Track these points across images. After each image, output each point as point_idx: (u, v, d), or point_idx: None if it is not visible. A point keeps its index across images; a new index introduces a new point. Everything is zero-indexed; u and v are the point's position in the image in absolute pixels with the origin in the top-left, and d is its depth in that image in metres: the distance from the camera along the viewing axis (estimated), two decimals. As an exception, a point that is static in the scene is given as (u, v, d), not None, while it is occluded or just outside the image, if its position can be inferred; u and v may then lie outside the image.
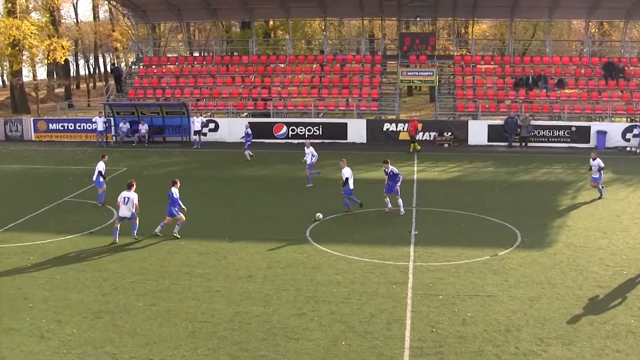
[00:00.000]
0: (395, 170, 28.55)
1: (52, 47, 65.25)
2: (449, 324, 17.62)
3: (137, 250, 24.27)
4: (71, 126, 51.13)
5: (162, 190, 33.37)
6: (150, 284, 20.91)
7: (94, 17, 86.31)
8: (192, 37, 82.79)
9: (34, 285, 21.18)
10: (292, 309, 18.71)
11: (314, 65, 55.33)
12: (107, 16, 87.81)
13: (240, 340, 16.88)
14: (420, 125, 46.12)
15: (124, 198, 25.42)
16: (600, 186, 31.52)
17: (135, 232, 25.51)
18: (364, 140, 45.88)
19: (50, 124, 51.59)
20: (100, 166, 31.00)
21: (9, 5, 64.72)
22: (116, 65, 59.40)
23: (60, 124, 51.44)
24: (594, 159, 31.32)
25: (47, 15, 70.23)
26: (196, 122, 46.43)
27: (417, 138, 45.07)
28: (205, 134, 47.43)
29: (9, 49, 63.69)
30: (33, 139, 51.00)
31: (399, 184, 28.48)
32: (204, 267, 22.40)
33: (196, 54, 77.25)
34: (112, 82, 58.36)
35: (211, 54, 62.34)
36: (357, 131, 46.27)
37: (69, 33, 78.79)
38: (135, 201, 25.47)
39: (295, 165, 38.63)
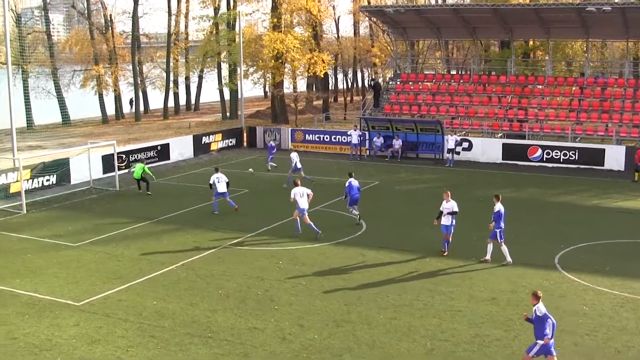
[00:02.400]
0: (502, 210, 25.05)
1: (313, 61, 67.74)
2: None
3: (383, 264, 24.91)
4: (327, 138, 53.02)
5: (411, 204, 34.08)
6: (393, 298, 21.44)
7: (355, 33, 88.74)
8: (450, 55, 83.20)
9: (280, 288, 22.40)
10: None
11: (574, 88, 53.67)
12: (367, 32, 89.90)
13: (479, 363, 16.94)
14: None
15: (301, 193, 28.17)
16: None
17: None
18: (622, 168, 43.92)
19: (306, 135, 53.86)
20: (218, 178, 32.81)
21: (275, 20, 68.18)
22: (376, 80, 60.78)
23: (317, 135, 53.58)
24: None
25: (310, 30, 73.04)
26: (450, 140, 46.56)
27: None
28: (458, 153, 47.49)
29: (273, 61, 67.13)
30: (290, 148, 53.46)
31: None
32: (448, 285, 22.60)
33: (453, 71, 77.49)
34: (369, 96, 59.89)
35: (468, 73, 62.34)
36: (615, 158, 44.38)
37: (329, 47, 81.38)
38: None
39: (548, 190, 37.86)
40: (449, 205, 25.68)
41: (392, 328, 19.05)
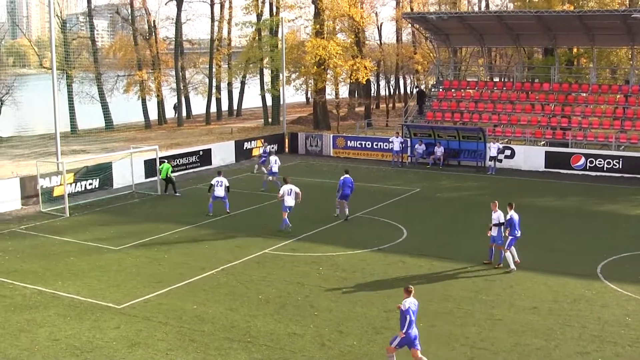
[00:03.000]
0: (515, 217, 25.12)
1: (355, 67, 67.72)
2: None
3: (423, 271, 24.83)
4: (368, 144, 52.92)
5: (452, 212, 33.92)
6: (433, 305, 21.34)
7: (397, 40, 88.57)
8: (493, 62, 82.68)
9: (320, 294, 22.42)
10: (575, 346, 18.24)
11: (618, 96, 52.98)
12: (410, 39, 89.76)
13: (519, 372, 16.79)
14: None
15: (288, 190, 30.19)
16: None
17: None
18: (667, 177, 43.20)
19: (348, 141, 53.82)
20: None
21: (317, 26, 68.30)
22: (420, 87, 60.54)
23: (358, 142, 53.51)
24: None
25: (352, 37, 73.04)
26: (492, 148, 46.23)
27: None
28: (500, 161, 47.15)
29: (315, 67, 67.30)
30: (331, 154, 53.45)
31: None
32: (489, 293, 22.44)
33: (496, 79, 76.94)
34: (411, 103, 59.72)
35: (511, 80, 61.90)
36: (660, 167, 43.68)
37: (372, 54, 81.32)
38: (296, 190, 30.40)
39: (591, 199, 37.44)
40: (495, 216, 25.36)
41: (432, 336, 18.95)
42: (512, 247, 25.04)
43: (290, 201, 30.20)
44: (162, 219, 32.88)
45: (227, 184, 33.92)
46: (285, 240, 28.89)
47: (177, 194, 38.47)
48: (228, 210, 33.86)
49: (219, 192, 33.46)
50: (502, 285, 23.26)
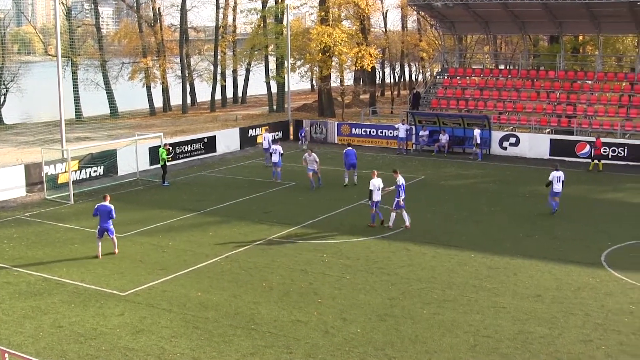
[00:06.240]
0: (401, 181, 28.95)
1: (360, 55, 67.57)
2: None
3: (427, 259, 24.82)
4: (373, 132, 52.85)
5: (456, 199, 33.90)
6: (436, 293, 21.35)
7: (402, 27, 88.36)
8: (499, 50, 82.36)
9: (324, 282, 22.44)
10: (579, 334, 18.24)
11: (624, 84, 52.83)
12: (415, 26, 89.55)
13: (522, 360, 16.81)
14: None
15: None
16: None
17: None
18: (672, 165, 43.04)
19: (353, 129, 53.75)
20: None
21: (323, 13, 68.16)
22: (417, 91, 60.29)
23: (363, 129, 53.39)
24: None
25: (358, 24, 72.88)
26: (476, 135, 46.14)
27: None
28: (505, 148, 47.08)
29: (320, 54, 67.16)
30: (336, 141, 53.36)
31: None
32: (493, 281, 22.44)
33: (501, 66, 76.66)
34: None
35: (517, 68, 61.62)
36: (664, 154, 43.53)
37: (377, 41, 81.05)
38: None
39: (596, 187, 37.37)
40: (377, 182, 29.12)
41: (435, 323, 18.97)
42: (399, 210, 28.84)
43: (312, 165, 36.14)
44: (166, 206, 32.91)
45: (282, 151, 38.80)
46: (289, 227, 28.91)
47: (165, 184, 38.01)
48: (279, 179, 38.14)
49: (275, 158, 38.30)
50: (505, 273, 23.25)
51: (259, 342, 17.81)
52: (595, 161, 42.46)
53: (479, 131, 46.42)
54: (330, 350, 17.33)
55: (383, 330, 18.54)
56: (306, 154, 36.97)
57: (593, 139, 43.91)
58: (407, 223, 28.76)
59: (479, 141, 46.41)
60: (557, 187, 31.06)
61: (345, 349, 17.39)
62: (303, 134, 51.51)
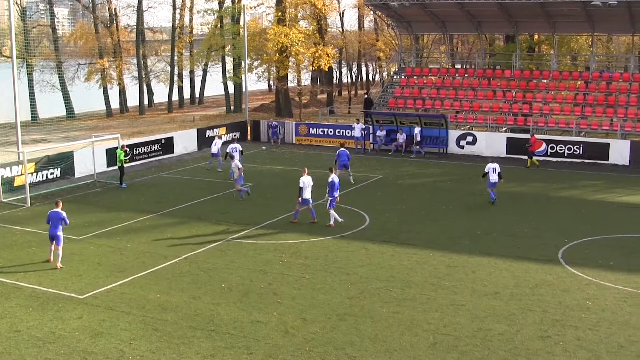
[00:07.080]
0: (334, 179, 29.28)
1: (317, 55, 67.56)
2: None
3: (385, 258, 24.92)
4: (330, 131, 52.87)
5: (415, 198, 34.09)
6: (395, 292, 21.45)
7: (359, 27, 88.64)
8: (455, 49, 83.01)
9: (283, 282, 22.43)
10: (537, 330, 18.45)
11: (579, 82, 53.59)
12: (372, 26, 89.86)
13: (481, 357, 16.94)
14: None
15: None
16: None
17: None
18: (627, 163, 43.76)
19: (310, 128, 53.76)
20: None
21: (279, 13, 68.06)
22: (369, 96, 60.56)
23: (320, 129, 53.41)
24: None
25: (314, 24, 72.85)
26: (417, 132, 47.03)
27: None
28: (462, 147, 47.45)
29: (277, 55, 67.01)
30: (294, 142, 53.38)
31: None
32: (451, 279, 22.60)
33: (458, 66, 77.40)
34: (372, 90, 59.61)
35: (473, 67, 62.11)
36: (619, 152, 44.23)
37: (334, 41, 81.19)
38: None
39: (552, 184, 37.78)
40: (306, 180, 29.19)
41: (395, 322, 19.06)
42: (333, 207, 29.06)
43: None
44: (124, 208, 32.62)
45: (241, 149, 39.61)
46: (247, 228, 28.84)
47: (123, 186, 37.69)
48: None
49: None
50: (464, 271, 23.43)
51: (219, 343, 17.75)
52: (534, 158, 43.28)
53: (419, 129, 47.17)
54: (291, 351, 17.32)
55: (343, 329, 18.57)
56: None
57: (549, 137, 44.44)
58: (332, 222, 28.98)
59: (419, 139, 47.13)
60: (493, 177, 32.66)
61: (306, 349, 17.39)
62: (276, 132, 53.12)
